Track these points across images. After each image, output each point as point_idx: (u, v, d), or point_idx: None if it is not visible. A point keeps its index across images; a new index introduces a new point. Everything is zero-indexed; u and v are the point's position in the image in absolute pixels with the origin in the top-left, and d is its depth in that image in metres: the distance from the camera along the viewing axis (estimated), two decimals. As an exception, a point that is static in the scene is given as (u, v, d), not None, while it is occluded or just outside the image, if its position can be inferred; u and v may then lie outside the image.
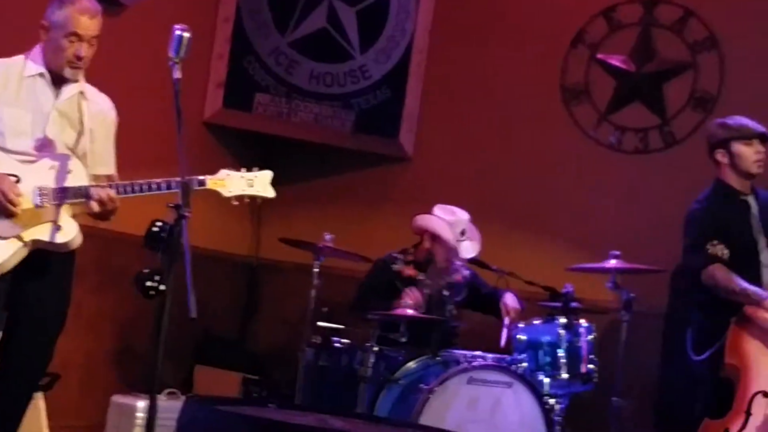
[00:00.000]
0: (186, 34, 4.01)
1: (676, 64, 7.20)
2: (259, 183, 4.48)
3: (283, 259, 7.64)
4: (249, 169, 4.49)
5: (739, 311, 5.14)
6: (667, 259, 6.39)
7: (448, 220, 6.29)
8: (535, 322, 6.16)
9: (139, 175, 4.46)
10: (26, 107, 4.48)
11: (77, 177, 4.44)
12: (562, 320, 6.06)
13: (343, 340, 6.07)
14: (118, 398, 6.37)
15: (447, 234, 6.24)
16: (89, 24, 4.47)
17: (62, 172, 4.42)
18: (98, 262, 6.46)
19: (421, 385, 5.62)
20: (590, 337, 6.10)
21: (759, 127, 5.34)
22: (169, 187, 4.31)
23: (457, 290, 6.47)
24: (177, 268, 3.82)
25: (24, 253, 4.38)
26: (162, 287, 3.87)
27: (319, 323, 6.19)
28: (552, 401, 5.93)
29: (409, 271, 6.40)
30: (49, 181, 4.39)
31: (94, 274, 6.50)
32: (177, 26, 4.03)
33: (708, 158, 5.54)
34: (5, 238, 4.35)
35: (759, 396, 4.93)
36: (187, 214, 3.87)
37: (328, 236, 6.31)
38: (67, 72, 4.52)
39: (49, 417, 5.40)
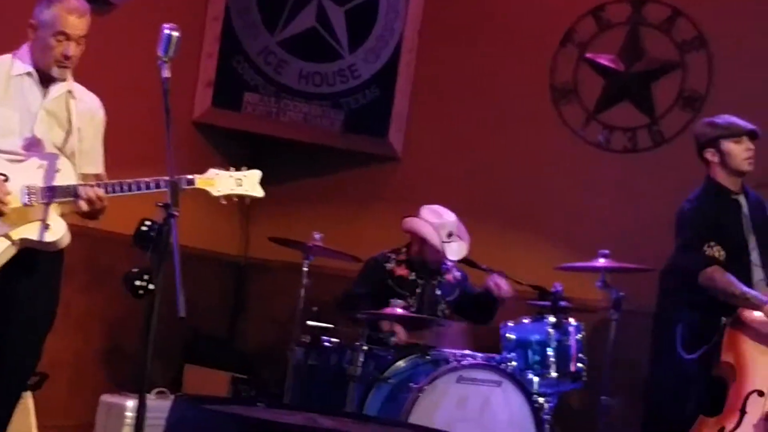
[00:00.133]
0: (175, 33, 4.01)
1: (664, 63, 7.21)
2: (248, 182, 4.48)
3: (272, 258, 7.65)
4: (238, 169, 4.49)
5: (728, 310, 5.15)
6: (656, 258, 6.40)
7: (433, 222, 6.28)
8: (524, 321, 6.16)
9: (128, 175, 4.45)
10: (14, 106, 4.47)
11: (66, 176, 4.43)
12: (552, 319, 6.07)
13: (332, 339, 6.07)
14: (107, 398, 6.36)
15: (433, 238, 6.24)
16: (77, 23, 4.46)
17: (50, 171, 4.41)
18: (87, 261, 6.45)
19: (411, 384, 5.62)
20: (579, 335, 6.11)
21: (747, 125, 5.36)
22: (158, 186, 4.31)
23: (450, 290, 6.47)
24: (166, 268, 3.82)
25: (12, 252, 4.37)
26: (151, 286, 3.86)
27: (309, 322, 6.18)
28: (541, 400, 5.94)
29: (401, 270, 6.40)
30: (38, 180, 4.38)
31: (83, 274, 6.49)
32: (166, 25, 4.03)
33: (697, 158, 5.55)
34: (-7, 237, 4.34)
35: (754, 395, 4.95)
36: (175, 213, 3.87)
37: (317, 235, 6.32)
38: (55, 71, 4.51)
39: (38, 416, 5.39)
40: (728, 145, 5.35)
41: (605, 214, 7.13)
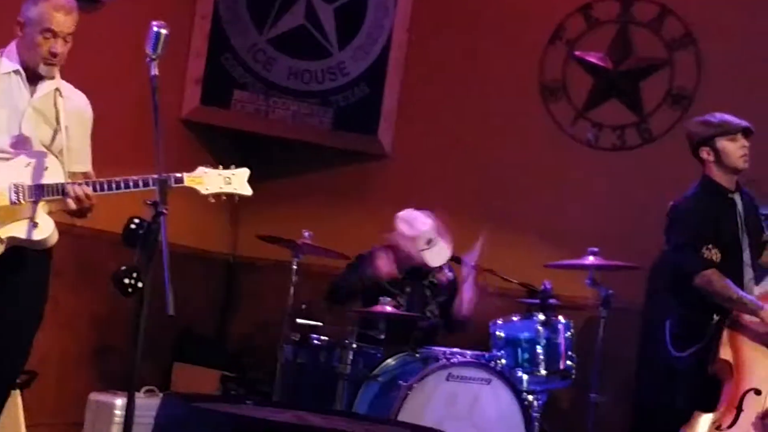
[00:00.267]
0: (163, 31, 4.01)
1: (653, 61, 7.23)
2: (237, 181, 4.48)
3: (261, 256, 7.64)
4: (226, 167, 4.49)
5: (718, 309, 5.15)
6: (644, 255, 6.42)
7: (409, 236, 6.28)
8: (513, 318, 6.17)
9: (117, 173, 4.44)
10: (1, 104, 4.46)
11: (54, 174, 4.42)
12: (541, 317, 6.08)
13: (321, 337, 6.06)
14: (95, 396, 6.36)
15: (412, 251, 6.25)
16: (64, 20, 4.45)
17: (38, 169, 4.40)
18: (75, 259, 6.44)
19: (400, 382, 5.62)
20: (568, 333, 6.12)
21: (741, 122, 5.35)
22: (146, 185, 4.30)
23: (440, 291, 6.48)
24: (154, 266, 3.81)
25: (0, 250, 4.37)
26: (139, 285, 3.86)
27: (298, 320, 6.18)
28: (530, 397, 5.94)
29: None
30: (26, 179, 4.37)
31: (72, 272, 6.47)
32: (154, 23, 4.03)
33: (692, 156, 5.52)
34: (-19, 236, 4.33)
35: (751, 393, 4.97)
36: (164, 211, 3.86)
37: (306, 233, 6.31)
38: (42, 69, 4.49)
39: (27, 415, 5.38)
40: (723, 143, 5.34)
41: (594, 212, 7.14)
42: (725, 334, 5.07)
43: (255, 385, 7.13)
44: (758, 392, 4.96)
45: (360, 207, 7.71)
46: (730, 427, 4.92)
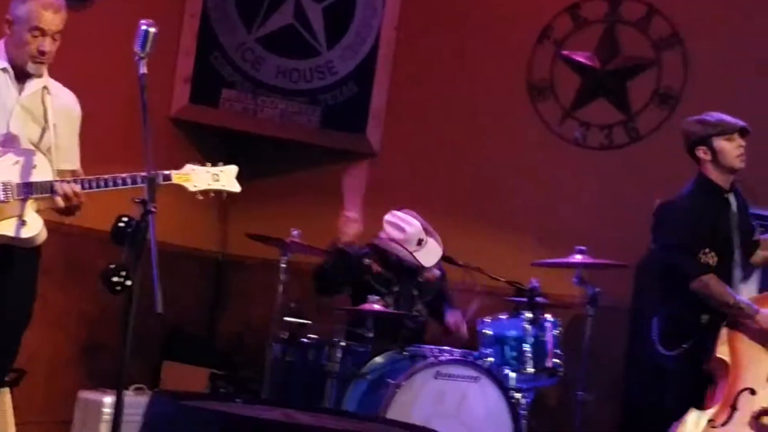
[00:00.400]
0: (152, 29, 4.02)
1: (640, 60, 7.25)
2: (225, 177, 4.49)
3: (250, 254, 7.64)
4: (214, 164, 4.49)
5: (707, 308, 5.16)
6: (632, 253, 6.45)
7: (399, 239, 6.28)
8: (501, 317, 6.19)
9: (106, 171, 4.44)
10: (-11, 102, 4.47)
11: (42, 172, 4.42)
12: (528, 315, 6.09)
13: (310, 336, 6.07)
14: (84, 394, 6.36)
15: (405, 255, 6.26)
16: (52, 19, 4.46)
17: (27, 167, 4.40)
18: (64, 257, 6.43)
19: (388, 380, 5.63)
20: (556, 331, 6.14)
21: (738, 122, 5.35)
22: (134, 182, 4.31)
23: (427, 290, 6.49)
24: (143, 264, 3.82)
25: (-12, 248, 4.37)
26: (128, 283, 3.86)
27: (287, 319, 6.19)
28: (518, 395, 5.95)
29: (378, 267, 6.40)
30: (14, 176, 4.38)
31: (60, 270, 6.47)
32: (143, 21, 4.04)
33: (681, 155, 5.52)
34: (-30, 234, 4.33)
35: (746, 392, 4.99)
36: (153, 209, 3.87)
37: (295, 232, 6.32)
38: (31, 67, 4.50)
39: (16, 413, 5.36)
40: (720, 143, 5.33)
41: (582, 211, 7.16)
42: (723, 332, 5.09)
43: (244, 383, 7.13)
44: (753, 392, 4.98)
45: (349, 206, 7.70)
46: (723, 424, 4.94)
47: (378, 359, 5.88)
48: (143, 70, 4.01)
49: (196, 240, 7.79)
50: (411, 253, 6.23)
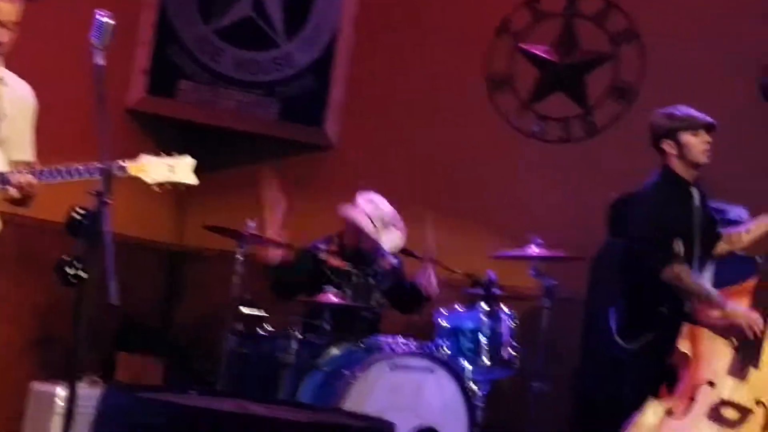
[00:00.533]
0: (108, 20, 3.98)
1: (597, 54, 7.30)
2: (181, 169, 4.45)
3: (206, 246, 7.62)
4: (170, 156, 4.47)
5: (665, 300, 5.20)
6: (587, 246, 6.48)
7: (369, 211, 6.29)
8: (457, 308, 6.21)
9: (61, 164, 4.41)
10: (-56, 93, 4.43)
11: (-5, 163, 4.40)
12: (485, 307, 6.13)
13: (266, 327, 6.07)
14: (37, 386, 6.31)
15: (368, 226, 6.26)
16: (8, 9, 4.42)
17: (-20, 158, 4.38)
18: (18, 249, 6.38)
19: (344, 371, 5.64)
20: (512, 323, 6.18)
21: (705, 118, 5.39)
22: (89, 173, 4.27)
23: (384, 279, 6.50)
24: (98, 255, 3.80)
25: (-58, 239, 4.34)
26: (83, 274, 3.84)
27: (243, 309, 6.18)
28: (474, 387, 5.99)
29: (335, 261, 6.41)
30: (-32, 168, 4.35)
31: (14, 262, 6.42)
32: (99, 12, 4.01)
33: (652, 149, 5.52)
34: None
35: (705, 385, 5.04)
36: (108, 200, 3.85)
37: (251, 223, 6.31)
38: (-14, 58, 4.47)
39: (-31, 406, 5.35)
40: (686, 138, 5.36)
41: (538, 203, 7.20)
42: (685, 326, 5.14)
43: (200, 375, 7.12)
44: (712, 384, 5.03)
45: (306, 198, 7.67)
46: (682, 415, 4.99)
47: (334, 351, 5.89)
48: (100, 61, 3.98)
49: (153, 232, 7.76)
50: (375, 230, 6.23)
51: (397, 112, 7.65)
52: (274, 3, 7.73)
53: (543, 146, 7.35)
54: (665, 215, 5.25)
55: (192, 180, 4.47)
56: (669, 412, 5.00)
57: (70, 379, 3.86)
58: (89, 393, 4.82)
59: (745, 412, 4.96)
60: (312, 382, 5.78)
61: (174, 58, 7.66)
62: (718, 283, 5.38)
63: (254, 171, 7.84)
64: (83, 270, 3.83)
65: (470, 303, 6.23)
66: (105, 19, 3.98)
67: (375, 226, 6.25)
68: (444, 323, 6.15)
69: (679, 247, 5.15)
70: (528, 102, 7.41)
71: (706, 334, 5.13)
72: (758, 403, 4.98)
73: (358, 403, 5.47)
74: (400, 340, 5.96)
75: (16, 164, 4.50)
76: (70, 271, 3.85)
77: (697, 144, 5.36)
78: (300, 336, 5.83)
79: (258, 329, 6.06)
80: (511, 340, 6.15)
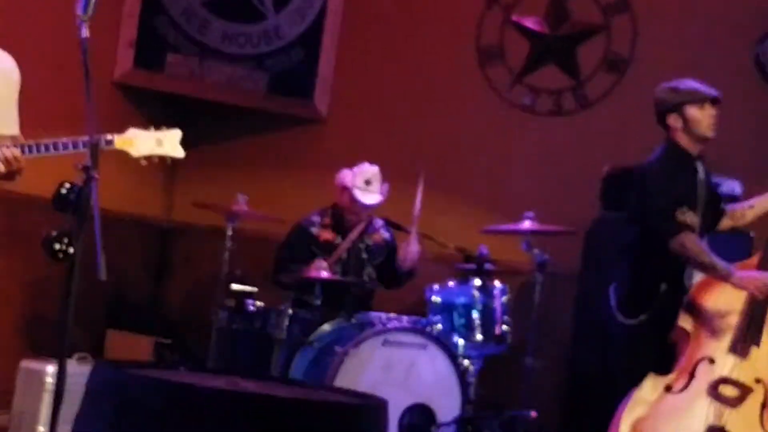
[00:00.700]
0: (93, -8, 3.92)
1: (589, 26, 7.24)
2: (168, 142, 4.40)
3: (196, 221, 7.56)
4: (158, 129, 4.41)
5: (665, 276, 5.16)
6: (580, 220, 6.45)
7: (353, 170, 6.28)
8: (449, 284, 6.19)
9: (47, 138, 4.35)
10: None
11: (-20, 137, 4.33)
12: (477, 282, 6.10)
13: (256, 303, 6.03)
14: (26, 363, 6.27)
15: (348, 180, 6.24)
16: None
17: (-35, 132, 4.31)
18: (5, 224, 6.34)
19: (336, 348, 5.61)
20: (504, 298, 6.15)
21: (711, 91, 5.33)
22: (75, 146, 4.21)
23: (376, 253, 6.46)
24: (87, 231, 3.75)
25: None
26: (71, 250, 3.79)
27: (233, 286, 6.14)
28: (466, 362, 5.97)
29: (327, 234, 6.38)
30: (-49, 142, 4.28)
31: (1, 237, 6.38)
32: (84, -17, 3.93)
33: (657, 123, 5.46)
34: None
35: (705, 361, 5.00)
36: (95, 175, 3.80)
37: (241, 198, 6.26)
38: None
39: (-43, 383, 5.31)
40: (692, 111, 5.30)
41: (530, 177, 7.16)
42: (686, 302, 5.10)
43: (190, 351, 7.08)
44: (712, 361, 5.00)
45: (295, 172, 7.66)
46: (681, 391, 4.96)
47: (325, 327, 5.86)
48: (85, 33, 3.91)
49: (142, 207, 7.70)
50: (354, 186, 6.21)
51: (387, 85, 7.59)
52: (262, -26, 7.67)
53: (535, 119, 7.30)
54: (669, 186, 5.20)
55: (179, 153, 4.41)
56: (668, 388, 4.97)
57: (60, 356, 3.81)
58: (79, 370, 4.79)
59: (744, 389, 4.92)
60: (303, 358, 5.75)
61: (161, 30, 7.57)
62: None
63: (243, 145, 7.84)
64: (71, 246, 3.78)
65: (463, 278, 6.21)
66: (90, -9, 3.91)
67: (356, 184, 6.22)
68: (436, 299, 6.11)
69: (685, 216, 5.09)
70: (519, 75, 7.35)
71: (707, 311, 5.10)
72: (758, 381, 4.94)
73: (350, 380, 5.45)
74: (392, 315, 5.92)
75: (0, 138, 4.42)
76: (57, 246, 3.80)
77: (703, 117, 5.29)
78: (291, 312, 5.78)
79: (248, 305, 6.01)
80: (503, 315, 6.12)
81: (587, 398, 6.24)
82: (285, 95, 7.69)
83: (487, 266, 6.20)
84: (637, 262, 5.28)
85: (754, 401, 4.90)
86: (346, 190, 6.30)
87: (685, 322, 5.08)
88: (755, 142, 6.59)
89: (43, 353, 6.35)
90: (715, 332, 5.05)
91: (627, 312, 5.25)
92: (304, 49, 7.67)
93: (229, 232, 6.24)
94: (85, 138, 3.98)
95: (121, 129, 4.34)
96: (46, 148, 4.29)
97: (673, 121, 5.29)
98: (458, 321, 6.06)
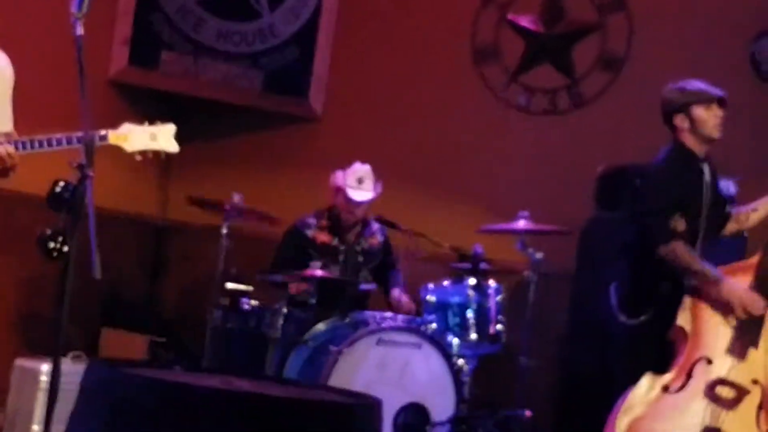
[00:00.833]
0: (88, -11, 3.91)
1: (584, 25, 7.24)
2: (162, 136, 4.39)
3: (191, 220, 7.55)
4: (152, 124, 4.41)
5: (665, 276, 5.16)
6: (575, 219, 6.44)
7: (345, 170, 6.28)
8: (444, 283, 6.18)
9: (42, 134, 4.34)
10: None
11: (-26, 135, 4.32)
12: (472, 281, 6.09)
13: (251, 302, 6.02)
14: (21, 362, 6.25)
15: (340, 180, 6.23)
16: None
17: (-43, 129, 4.30)
18: (0, 222, 6.33)
19: (330, 347, 5.61)
20: (499, 297, 6.14)
21: (717, 91, 5.32)
22: (69, 142, 4.20)
23: (372, 256, 6.46)
24: (81, 229, 3.74)
25: None
26: (65, 248, 3.78)
27: (228, 285, 6.13)
28: (461, 362, 5.96)
29: (323, 236, 6.37)
30: (-54, 140, 4.27)
31: (-4, 234, 6.38)
32: (79, -20, 3.93)
33: (664, 124, 5.46)
34: None
35: (702, 361, 4.99)
36: (90, 173, 3.79)
37: (236, 196, 6.24)
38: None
39: (-49, 381, 5.30)
40: (699, 112, 5.28)
41: (525, 176, 7.16)
42: (686, 301, 5.09)
43: (185, 350, 7.07)
44: (710, 361, 4.99)
45: (290, 170, 7.66)
46: (677, 391, 4.95)
47: (320, 326, 5.86)
48: (80, 31, 3.90)
49: (137, 205, 7.70)
50: (347, 185, 6.21)
51: (382, 84, 7.59)
52: (256, -27, 7.66)
53: (529, 118, 7.30)
54: (669, 190, 5.19)
55: (173, 147, 4.40)
56: (665, 388, 4.97)
57: (54, 354, 3.80)
58: (73, 369, 4.76)
59: (741, 391, 4.91)
60: (298, 357, 5.74)
61: (156, 28, 7.57)
62: (710, 259, 5.34)
63: (238, 143, 7.83)
64: (65, 244, 3.77)
65: (457, 277, 6.20)
66: (85, -12, 3.90)
67: (348, 183, 6.21)
68: (431, 298, 6.10)
69: (678, 223, 5.08)
70: (514, 73, 7.35)
71: (706, 310, 5.09)
72: (755, 382, 4.93)
73: (345, 379, 5.44)
74: (387, 315, 5.91)
75: (-5, 136, 4.41)
76: (51, 245, 3.80)
77: (709, 118, 5.28)
78: (285, 311, 5.78)
79: (243, 304, 6.01)
80: (498, 314, 6.11)
81: (582, 398, 6.23)
82: (280, 93, 7.69)
83: (482, 265, 6.20)
84: (637, 262, 5.27)
85: (751, 403, 4.89)
86: (340, 190, 6.30)
87: (683, 321, 5.07)
88: (752, 142, 6.59)
89: (37, 352, 6.33)
90: (713, 333, 5.04)
91: (629, 312, 5.24)
92: (299, 47, 7.67)
93: (225, 231, 6.22)
94: (79, 134, 3.97)
95: (115, 126, 4.34)
96: (40, 144, 4.28)
97: (680, 121, 5.28)
98: (453, 320, 6.05)
